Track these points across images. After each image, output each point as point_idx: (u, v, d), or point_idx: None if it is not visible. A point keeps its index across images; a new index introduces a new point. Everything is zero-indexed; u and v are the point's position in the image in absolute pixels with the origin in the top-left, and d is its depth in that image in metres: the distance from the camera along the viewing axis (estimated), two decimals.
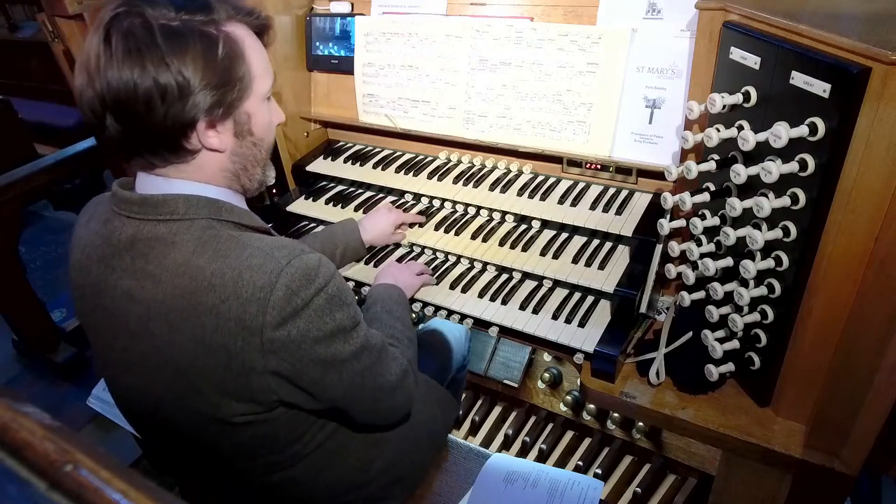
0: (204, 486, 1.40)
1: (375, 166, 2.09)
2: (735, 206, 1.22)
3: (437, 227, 1.91)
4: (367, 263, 1.91)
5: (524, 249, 1.76)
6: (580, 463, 2.26)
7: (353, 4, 2.11)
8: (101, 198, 1.20)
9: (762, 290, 1.26)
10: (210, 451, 1.21)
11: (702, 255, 1.37)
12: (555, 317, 1.62)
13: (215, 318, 1.01)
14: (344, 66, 2.13)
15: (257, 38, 1.11)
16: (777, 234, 1.19)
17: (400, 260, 1.91)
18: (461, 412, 2.51)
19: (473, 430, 2.50)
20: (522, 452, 2.37)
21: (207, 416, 1.10)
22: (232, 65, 1.03)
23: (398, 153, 2.15)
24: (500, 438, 2.45)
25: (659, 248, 1.45)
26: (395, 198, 2.07)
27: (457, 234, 1.87)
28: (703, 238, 1.38)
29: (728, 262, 1.33)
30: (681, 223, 1.38)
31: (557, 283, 1.72)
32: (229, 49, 1.02)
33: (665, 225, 1.38)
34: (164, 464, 1.99)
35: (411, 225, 1.93)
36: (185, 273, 1.03)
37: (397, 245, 1.94)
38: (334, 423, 1.30)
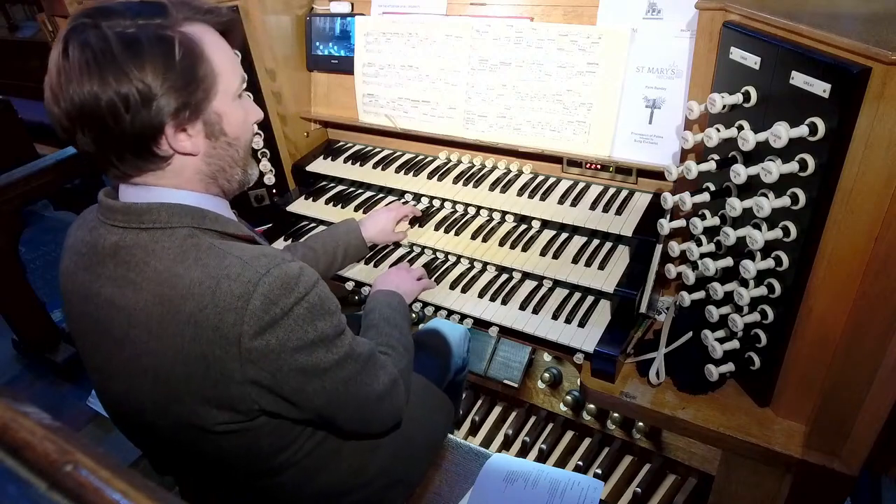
0: (202, 487, 1.40)
1: (375, 166, 2.09)
2: (735, 206, 1.22)
3: (437, 227, 1.91)
4: (366, 263, 1.91)
5: (524, 249, 1.76)
6: (580, 463, 2.26)
7: (353, 4, 2.11)
8: (93, 207, 1.20)
9: (762, 290, 1.26)
10: (195, 457, 1.20)
11: (702, 255, 1.37)
12: (555, 317, 1.62)
13: (193, 327, 1.00)
14: (344, 66, 2.13)
15: (221, 36, 1.10)
16: (777, 234, 1.19)
17: (399, 260, 1.91)
18: (461, 412, 2.51)
19: (473, 430, 2.50)
20: (522, 452, 2.37)
21: (188, 424, 1.10)
22: (192, 65, 1.02)
23: (398, 153, 2.15)
24: (500, 438, 2.45)
25: (659, 248, 1.45)
26: (395, 198, 2.07)
27: (457, 234, 1.87)
28: (703, 238, 1.38)
29: (728, 262, 1.33)
30: (681, 223, 1.38)
31: (557, 283, 1.72)
32: (187, 49, 1.01)
33: (665, 225, 1.38)
34: (163, 464, 1.99)
35: (412, 223, 1.93)
36: (164, 281, 1.02)
37: (397, 245, 1.94)
38: (323, 432, 1.28)
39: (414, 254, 1.93)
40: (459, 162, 2.03)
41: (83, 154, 1.04)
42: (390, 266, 1.87)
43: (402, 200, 2.04)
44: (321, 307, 1.08)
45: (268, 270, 1.01)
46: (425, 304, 1.75)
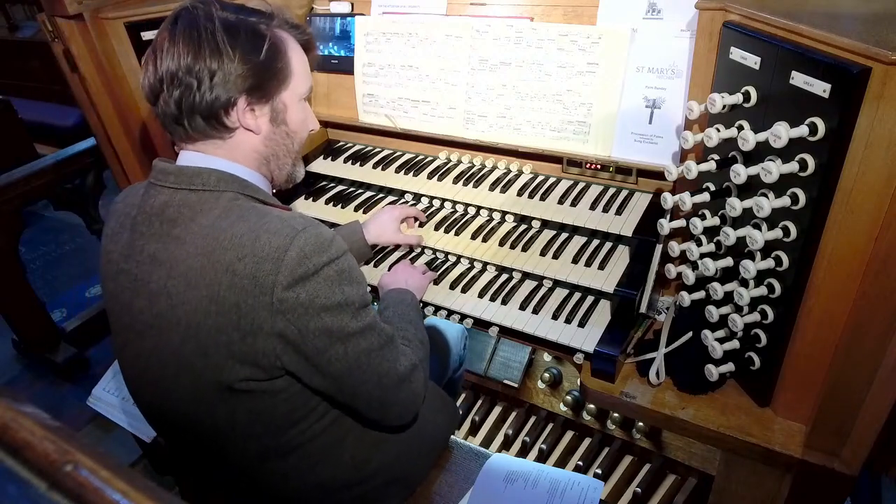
0: (202, 483, 1.40)
1: (375, 166, 2.09)
2: (735, 206, 1.22)
3: (437, 227, 1.91)
4: (366, 263, 1.91)
5: (524, 249, 1.76)
6: (580, 463, 2.26)
7: (353, 4, 2.11)
8: (139, 183, 1.31)
9: (762, 290, 1.26)
10: (206, 426, 1.22)
11: (702, 255, 1.37)
12: (555, 317, 1.62)
13: (231, 276, 1.08)
14: (344, 66, 2.13)
15: (301, 48, 1.28)
16: (777, 234, 1.19)
17: (399, 260, 1.91)
18: (461, 412, 2.51)
19: (473, 430, 2.50)
20: (522, 452, 2.37)
21: (209, 382, 1.14)
22: (274, 57, 1.19)
23: (398, 153, 2.15)
24: (500, 438, 2.45)
25: (659, 248, 1.45)
26: (395, 198, 2.07)
27: (457, 234, 1.87)
28: (703, 238, 1.38)
29: (728, 262, 1.33)
30: (681, 223, 1.38)
31: (557, 283, 1.72)
32: (273, 44, 1.19)
33: (665, 225, 1.38)
34: (164, 463, 1.99)
35: (416, 222, 1.93)
36: (208, 234, 1.11)
37: (397, 245, 1.94)
38: (333, 414, 1.31)
39: (414, 254, 1.93)
40: (459, 162, 2.03)
41: (160, 114, 1.19)
42: (390, 266, 1.87)
43: (402, 201, 2.04)
44: (349, 274, 1.16)
45: (304, 227, 1.11)
46: (425, 304, 1.75)
